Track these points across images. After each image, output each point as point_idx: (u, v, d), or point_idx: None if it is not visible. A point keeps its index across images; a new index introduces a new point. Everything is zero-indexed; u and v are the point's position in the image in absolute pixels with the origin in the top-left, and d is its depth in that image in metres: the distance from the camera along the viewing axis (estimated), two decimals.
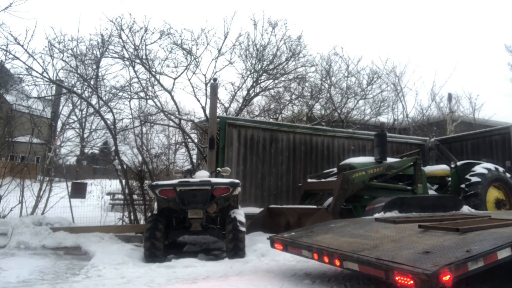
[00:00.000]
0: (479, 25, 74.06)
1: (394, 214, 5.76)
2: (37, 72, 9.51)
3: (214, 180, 6.44)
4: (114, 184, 12.82)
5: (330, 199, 7.65)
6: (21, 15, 8.84)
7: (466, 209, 6.49)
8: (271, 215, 7.78)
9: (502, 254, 3.26)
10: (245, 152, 9.09)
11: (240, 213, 6.26)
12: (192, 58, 11.01)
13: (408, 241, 3.79)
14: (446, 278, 2.91)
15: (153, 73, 10.67)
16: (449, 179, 9.02)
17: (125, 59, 10.49)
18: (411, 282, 3.00)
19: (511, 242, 3.35)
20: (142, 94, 10.92)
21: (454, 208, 6.37)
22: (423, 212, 5.88)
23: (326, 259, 3.98)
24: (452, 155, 10.77)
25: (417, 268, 3.01)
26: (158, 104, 11.04)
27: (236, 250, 5.88)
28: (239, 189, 6.41)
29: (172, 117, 11.47)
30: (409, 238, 3.92)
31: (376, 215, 5.53)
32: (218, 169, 7.54)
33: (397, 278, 3.12)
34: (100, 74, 10.48)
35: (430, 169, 9.28)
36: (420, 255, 3.28)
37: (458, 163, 8.89)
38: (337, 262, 3.82)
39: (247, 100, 13.04)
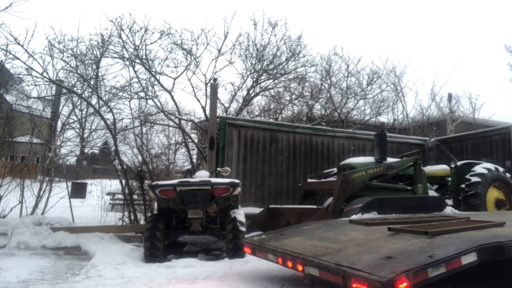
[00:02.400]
0: (479, 25, 74.11)
1: (372, 215, 5.62)
2: (37, 72, 9.53)
3: (214, 180, 6.44)
4: (114, 184, 12.82)
5: (330, 199, 7.64)
6: (21, 15, 8.85)
7: (449, 210, 6.37)
8: (271, 215, 7.78)
9: (467, 260, 3.08)
10: (245, 152, 9.09)
11: (240, 213, 6.26)
12: (192, 58, 11.03)
13: (374, 245, 3.66)
14: (403, 285, 2.77)
15: (153, 73, 10.67)
16: (449, 179, 9.01)
17: (125, 59, 10.51)
18: None
19: (477, 246, 3.17)
20: (142, 94, 10.95)
21: (437, 209, 6.24)
22: (404, 214, 5.70)
23: (289, 264, 3.83)
24: (452, 155, 10.77)
25: (373, 275, 2.86)
26: (158, 104, 11.07)
27: (236, 250, 5.88)
28: (239, 189, 6.42)
29: (172, 117, 11.47)
30: (376, 241, 3.79)
31: (354, 217, 5.38)
32: (218, 169, 7.54)
33: (354, 286, 2.97)
34: (100, 74, 10.51)
35: (430, 169, 9.27)
36: (381, 261, 3.14)
37: (458, 163, 8.88)
38: (300, 267, 3.65)
39: (247, 100, 13.05)
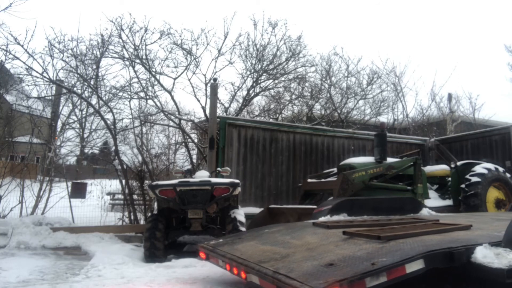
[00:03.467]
0: (479, 25, 74.01)
1: (342, 217, 5.43)
2: (37, 72, 9.53)
3: (214, 180, 6.44)
4: (114, 184, 12.83)
5: (330, 199, 7.65)
6: (21, 15, 8.92)
7: (426, 211, 6.17)
8: (271, 215, 7.77)
9: (412, 267, 2.86)
10: (245, 152, 9.08)
11: (240, 213, 6.26)
12: (192, 58, 11.03)
13: (323, 250, 3.44)
14: None
15: (153, 73, 10.68)
16: (449, 179, 9.01)
17: (125, 59, 10.51)
18: None
19: (425, 252, 2.97)
20: (142, 94, 10.96)
21: (413, 210, 6.03)
22: (377, 215, 5.53)
23: (235, 271, 3.64)
24: (452, 155, 10.76)
25: (305, 285, 2.68)
26: (158, 104, 11.08)
27: None
28: (239, 189, 6.42)
29: (172, 117, 11.48)
30: (327, 246, 3.58)
31: (322, 219, 5.20)
32: (218, 169, 7.54)
33: None
34: (100, 74, 10.51)
35: (430, 169, 9.27)
36: (321, 268, 2.94)
37: (458, 163, 8.88)
38: (243, 275, 3.45)
39: (247, 100, 13.05)
